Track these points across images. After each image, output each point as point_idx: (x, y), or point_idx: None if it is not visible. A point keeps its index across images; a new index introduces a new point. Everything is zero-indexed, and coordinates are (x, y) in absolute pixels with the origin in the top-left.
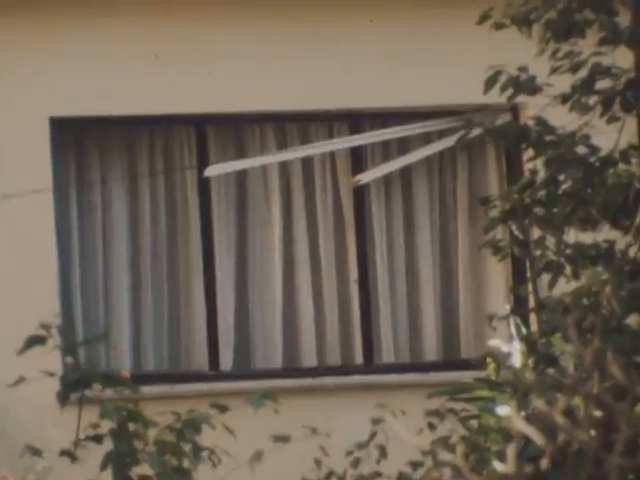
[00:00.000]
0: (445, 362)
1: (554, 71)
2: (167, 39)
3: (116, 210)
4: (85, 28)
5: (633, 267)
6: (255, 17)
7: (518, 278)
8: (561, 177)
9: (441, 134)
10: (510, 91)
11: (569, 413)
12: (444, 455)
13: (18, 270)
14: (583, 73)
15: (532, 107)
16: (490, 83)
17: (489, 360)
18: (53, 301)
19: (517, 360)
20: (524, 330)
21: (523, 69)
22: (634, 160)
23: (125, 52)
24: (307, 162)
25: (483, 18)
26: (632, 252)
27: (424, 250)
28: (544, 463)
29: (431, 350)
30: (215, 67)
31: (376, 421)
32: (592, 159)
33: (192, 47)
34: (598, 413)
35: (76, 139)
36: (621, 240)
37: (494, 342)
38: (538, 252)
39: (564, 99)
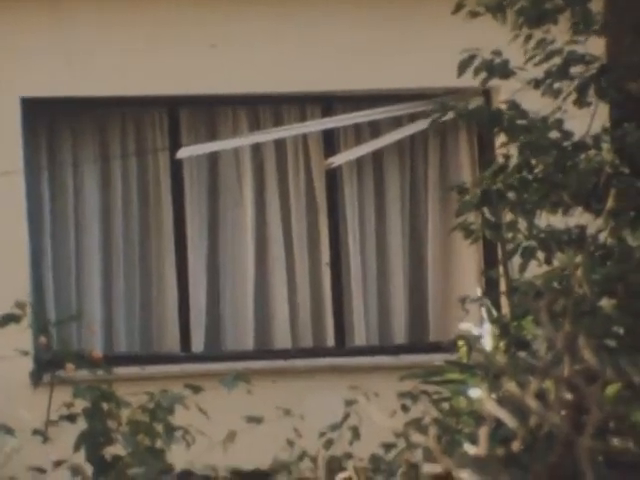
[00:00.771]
0: (415, 344)
1: (529, 60)
2: (140, 21)
3: (88, 192)
4: (57, 8)
5: (604, 251)
6: (229, 0)
7: (489, 261)
8: (533, 161)
9: (413, 117)
10: (483, 75)
11: (540, 396)
12: (416, 437)
13: None
14: (557, 60)
15: (505, 92)
16: (463, 66)
17: (460, 343)
18: (25, 282)
19: (488, 343)
20: (495, 313)
21: (497, 53)
22: (605, 145)
23: (97, 33)
24: (279, 144)
25: (458, 7)
26: (603, 237)
27: (395, 233)
28: (515, 445)
29: (401, 333)
30: (187, 49)
31: (349, 403)
32: (564, 144)
33: (164, 30)
34: (569, 396)
35: (48, 120)
36: (592, 225)
37: (465, 325)
38: (510, 235)
39: (537, 84)
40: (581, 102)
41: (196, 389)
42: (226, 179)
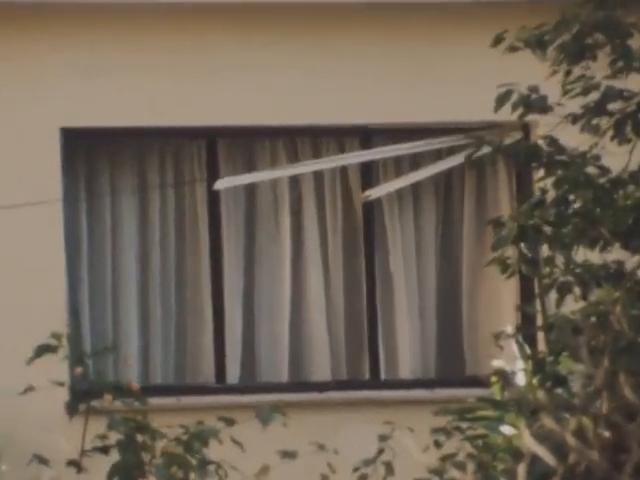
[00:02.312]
0: (450, 378)
1: (566, 93)
2: (179, 51)
3: (125, 222)
4: (98, 40)
5: None
6: (267, 30)
7: (525, 296)
8: (571, 197)
9: (451, 151)
10: (521, 110)
11: (578, 433)
12: (452, 473)
13: (27, 281)
14: (595, 96)
15: (543, 126)
16: (501, 101)
17: (494, 379)
18: (62, 313)
19: (521, 379)
20: (528, 349)
21: (533, 89)
22: None
23: (136, 65)
24: (317, 177)
25: (497, 40)
26: None
27: (431, 267)
28: None
29: (436, 366)
30: (226, 80)
31: (383, 438)
32: (602, 180)
33: (204, 60)
34: (608, 433)
35: (87, 150)
36: (630, 261)
37: (498, 362)
38: (546, 270)
39: (574, 119)
40: (619, 138)
41: (230, 422)
42: (263, 211)
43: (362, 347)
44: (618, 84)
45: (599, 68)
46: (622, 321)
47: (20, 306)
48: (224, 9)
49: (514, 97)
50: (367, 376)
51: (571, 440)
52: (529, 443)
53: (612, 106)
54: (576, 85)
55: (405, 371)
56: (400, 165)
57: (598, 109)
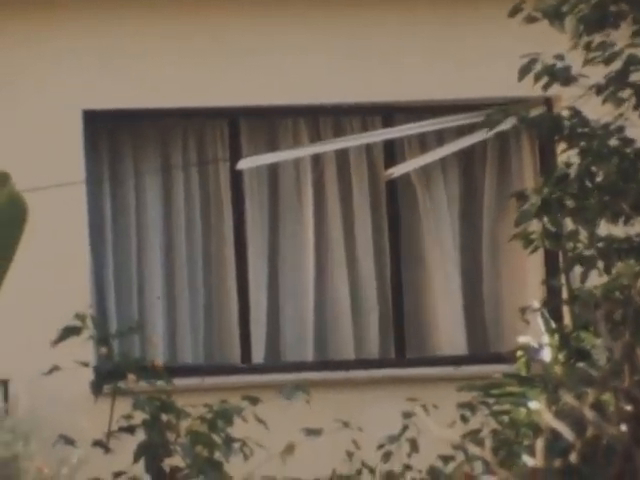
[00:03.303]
0: (475, 355)
1: (588, 62)
2: (200, 33)
3: (149, 203)
4: (120, 22)
5: None
6: (289, 10)
7: (550, 271)
8: (594, 169)
9: (474, 127)
10: (545, 80)
11: (599, 407)
12: (475, 449)
13: (51, 263)
14: (617, 65)
15: (566, 100)
16: (524, 71)
17: (519, 354)
18: (86, 294)
19: (547, 354)
20: (553, 324)
21: (559, 57)
22: None
23: (159, 46)
24: (340, 155)
25: (515, 11)
26: None
27: (456, 244)
28: (573, 457)
29: (461, 344)
30: (249, 60)
31: (407, 415)
32: (626, 151)
33: (225, 40)
34: (628, 407)
35: (109, 132)
36: None
37: (524, 337)
38: (570, 244)
39: (598, 90)
40: None
41: (254, 400)
42: (287, 191)
43: (388, 325)
44: None
45: (620, 37)
46: None
47: (45, 288)
48: None
49: (537, 67)
50: (392, 354)
51: (589, 414)
52: (548, 419)
53: (635, 76)
54: (598, 53)
55: (429, 349)
56: (423, 142)
57: (621, 78)
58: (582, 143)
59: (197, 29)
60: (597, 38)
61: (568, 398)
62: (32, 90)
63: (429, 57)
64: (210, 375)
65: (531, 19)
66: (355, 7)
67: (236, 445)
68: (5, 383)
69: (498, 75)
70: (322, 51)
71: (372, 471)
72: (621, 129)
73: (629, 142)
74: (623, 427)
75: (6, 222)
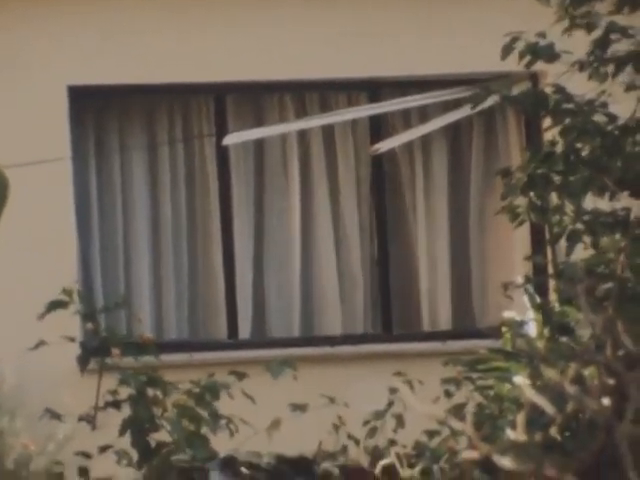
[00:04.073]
0: (461, 331)
1: (569, 29)
2: (184, 8)
3: (135, 178)
4: None
5: None
6: None
7: (536, 247)
8: (579, 145)
9: (459, 102)
10: (528, 58)
11: (581, 382)
12: (459, 424)
13: (37, 238)
14: (599, 33)
15: (551, 76)
16: (507, 50)
17: (504, 330)
18: (73, 270)
19: (532, 329)
20: (538, 299)
21: (541, 35)
22: None
23: (142, 21)
24: (326, 131)
25: None
26: None
27: (442, 220)
28: (552, 431)
29: (447, 319)
30: (233, 35)
31: (393, 390)
32: (610, 127)
33: (209, 15)
34: (610, 381)
35: (94, 108)
36: (638, 208)
37: (509, 312)
38: (556, 219)
39: (582, 66)
40: (627, 85)
41: (241, 375)
42: (272, 166)
43: (373, 302)
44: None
45: (605, 10)
46: (626, 269)
47: (31, 263)
48: None
49: (520, 45)
50: (379, 330)
51: (571, 389)
52: (529, 393)
53: (618, 47)
54: (580, 21)
55: (415, 325)
56: (409, 118)
57: (601, 47)
58: (567, 120)
59: (182, 5)
60: (582, 9)
61: (550, 372)
62: (17, 66)
63: (415, 32)
64: (196, 351)
65: None
66: None
67: (222, 421)
68: None
69: (485, 50)
70: (308, 26)
71: (358, 443)
72: (605, 105)
73: (613, 118)
74: (605, 401)
75: None
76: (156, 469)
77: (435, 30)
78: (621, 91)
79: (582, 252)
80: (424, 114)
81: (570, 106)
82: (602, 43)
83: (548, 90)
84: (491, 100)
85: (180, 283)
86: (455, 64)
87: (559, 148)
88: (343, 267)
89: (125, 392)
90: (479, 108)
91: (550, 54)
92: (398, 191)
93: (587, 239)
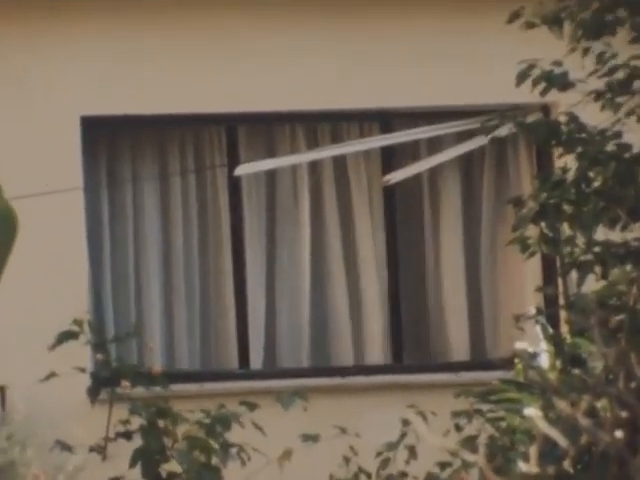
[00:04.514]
0: (474, 362)
1: (591, 74)
2: (197, 39)
3: (147, 209)
4: (116, 28)
5: None
6: (286, 16)
7: (547, 277)
8: (591, 175)
9: (471, 134)
10: (542, 85)
11: (594, 414)
12: (471, 456)
13: (49, 268)
14: (620, 75)
15: (564, 108)
16: (522, 77)
17: (516, 361)
18: (84, 300)
19: (544, 361)
20: (550, 330)
21: (557, 63)
22: None
23: (155, 52)
24: (337, 162)
25: (513, 16)
26: None
27: (454, 249)
28: (566, 464)
29: (460, 350)
30: (246, 66)
31: (406, 422)
32: (623, 156)
33: (222, 47)
34: (623, 413)
35: (107, 138)
36: None
37: (521, 344)
38: (567, 250)
39: (597, 97)
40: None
41: (252, 406)
42: (284, 197)
43: (384, 332)
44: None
45: (616, 43)
46: (638, 301)
47: (42, 295)
48: None
49: (536, 72)
50: (390, 361)
51: (584, 421)
52: (542, 425)
53: (636, 84)
54: (599, 66)
55: (428, 355)
56: (420, 148)
57: (622, 87)
58: (579, 149)
59: (194, 36)
60: (596, 45)
61: (562, 405)
62: (31, 96)
63: (427, 63)
64: (208, 381)
65: (530, 25)
66: (353, 12)
67: (233, 450)
68: (2, 389)
69: (497, 81)
70: (320, 57)
71: (369, 477)
72: (619, 134)
73: (626, 148)
74: (618, 433)
75: None
76: None
77: (446, 62)
78: (634, 120)
79: (593, 283)
80: (436, 145)
81: (583, 135)
82: (624, 84)
83: (561, 119)
84: (505, 129)
85: (192, 313)
86: (466, 95)
87: (570, 176)
88: (355, 298)
89: (136, 422)
90: (491, 136)
91: (564, 82)
92: (410, 222)
93: (598, 270)
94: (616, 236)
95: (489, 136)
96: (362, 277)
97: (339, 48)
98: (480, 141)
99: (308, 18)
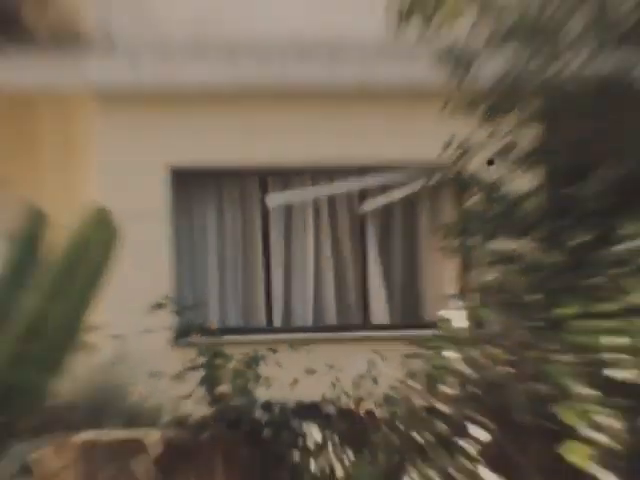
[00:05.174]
0: (413, 323)
1: (486, 141)
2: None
3: (209, 232)
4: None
5: (528, 265)
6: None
7: (463, 271)
8: (489, 207)
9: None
10: (459, 152)
11: (491, 357)
12: (413, 383)
13: (149, 271)
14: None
15: (473, 165)
16: (445, 146)
17: (443, 323)
18: (169, 283)
19: (460, 323)
20: (464, 303)
21: (467, 139)
22: (540, 197)
23: (222, 123)
24: (330, 198)
25: (446, 105)
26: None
27: (403, 253)
28: (471, 388)
29: (406, 315)
30: (270, 137)
31: (371, 362)
32: (508, 196)
33: (260, 121)
34: (511, 357)
35: (189, 185)
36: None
37: (445, 312)
38: (474, 255)
39: (489, 162)
40: (523, 169)
41: (274, 351)
42: (297, 223)
43: (359, 303)
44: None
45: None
46: (516, 286)
47: (144, 284)
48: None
49: (454, 143)
50: (362, 321)
51: (483, 361)
52: (457, 364)
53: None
54: (493, 138)
55: (385, 318)
56: (385, 188)
57: (506, 152)
58: (481, 193)
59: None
60: (496, 123)
61: (472, 351)
62: (124, 149)
63: (389, 133)
64: (246, 334)
65: (456, 110)
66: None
67: (262, 379)
68: (117, 338)
69: (431, 146)
70: (311, 132)
71: (348, 395)
72: (502, 182)
73: (510, 191)
74: (505, 369)
75: (100, 243)
76: (220, 409)
77: (400, 132)
78: (515, 176)
79: (491, 275)
80: (396, 186)
81: (483, 185)
82: (506, 150)
83: (470, 174)
84: (436, 178)
85: (236, 290)
86: (412, 153)
87: (477, 208)
88: (339, 280)
89: (200, 360)
90: (424, 184)
91: (474, 151)
92: (374, 236)
93: (494, 267)
94: (508, 245)
95: (423, 184)
96: (345, 271)
97: (323, 125)
98: (418, 186)
99: (304, 112)
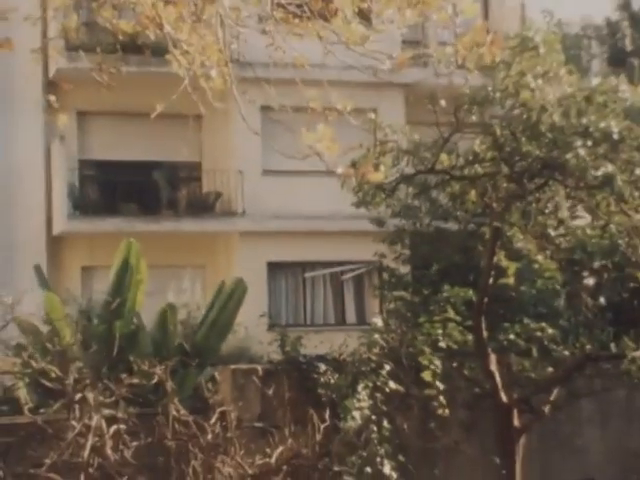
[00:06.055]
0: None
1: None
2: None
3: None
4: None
5: (407, 302)
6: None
7: (381, 303)
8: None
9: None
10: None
11: (393, 338)
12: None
13: (258, 294)
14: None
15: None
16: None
17: (374, 324)
18: (265, 303)
19: (378, 323)
20: (381, 321)
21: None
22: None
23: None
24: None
25: (359, 202)
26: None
27: (353, 303)
28: (383, 352)
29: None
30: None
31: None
32: (399, 275)
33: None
34: (400, 337)
35: (282, 277)
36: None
37: (375, 318)
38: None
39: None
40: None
41: None
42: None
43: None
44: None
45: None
46: (405, 310)
47: (250, 303)
48: None
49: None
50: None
51: (389, 339)
52: (379, 340)
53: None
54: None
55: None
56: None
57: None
58: (392, 278)
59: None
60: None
61: (384, 335)
62: (233, 248)
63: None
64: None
65: (358, 205)
66: None
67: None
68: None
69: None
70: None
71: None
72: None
73: (400, 273)
74: (396, 342)
75: (236, 297)
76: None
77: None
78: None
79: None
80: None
81: (394, 273)
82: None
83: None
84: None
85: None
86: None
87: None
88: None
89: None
90: (359, 271)
91: (380, 223)
92: (355, 289)
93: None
94: (398, 294)
95: (360, 270)
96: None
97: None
98: (359, 269)
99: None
